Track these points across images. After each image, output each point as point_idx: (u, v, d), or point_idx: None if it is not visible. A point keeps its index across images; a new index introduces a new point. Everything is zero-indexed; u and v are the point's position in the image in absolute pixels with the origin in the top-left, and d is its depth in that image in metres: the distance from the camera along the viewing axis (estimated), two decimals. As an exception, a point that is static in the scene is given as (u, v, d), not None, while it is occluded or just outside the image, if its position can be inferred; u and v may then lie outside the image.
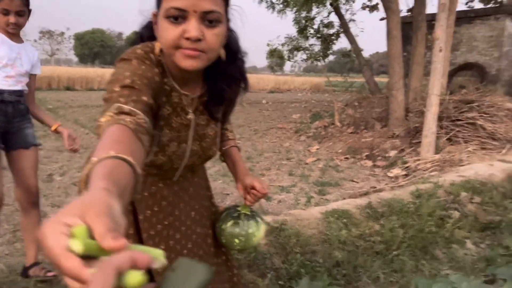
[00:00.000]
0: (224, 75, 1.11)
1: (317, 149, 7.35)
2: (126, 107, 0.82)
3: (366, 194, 4.09)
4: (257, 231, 1.28)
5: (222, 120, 1.30)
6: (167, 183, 1.19)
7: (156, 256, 0.50)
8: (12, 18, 2.19)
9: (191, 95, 1.12)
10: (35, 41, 61.49)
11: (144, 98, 0.88)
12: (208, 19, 0.94)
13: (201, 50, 0.95)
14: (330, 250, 2.89)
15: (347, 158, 6.58)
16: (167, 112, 1.07)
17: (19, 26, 2.26)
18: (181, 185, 1.22)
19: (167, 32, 0.94)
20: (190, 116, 1.12)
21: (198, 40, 0.93)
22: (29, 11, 2.31)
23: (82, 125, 9.33)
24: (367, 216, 3.33)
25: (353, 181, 5.22)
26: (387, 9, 6.96)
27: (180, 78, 1.07)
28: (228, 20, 1.04)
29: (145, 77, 0.93)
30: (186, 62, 0.95)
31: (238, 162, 1.37)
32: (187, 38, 0.93)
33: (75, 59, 69.34)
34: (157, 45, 1.02)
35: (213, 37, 0.95)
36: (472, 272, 2.92)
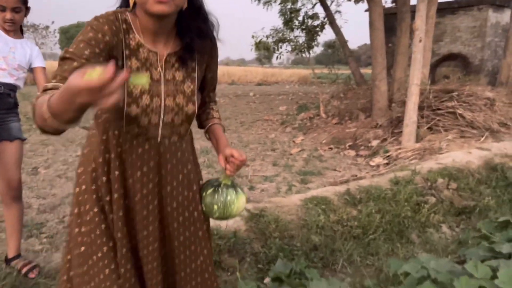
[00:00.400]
0: (190, 27, 1.24)
1: (302, 140, 7.44)
2: (50, 84, 1.03)
3: (346, 182, 4.19)
4: (236, 199, 1.35)
5: (205, 89, 1.42)
6: (152, 143, 1.25)
7: (143, 80, 0.86)
8: (8, 15, 2.22)
9: (163, 51, 1.23)
10: (20, 35, 60.25)
11: (75, 64, 1.05)
12: None
13: None
14: (308, 235, 2.99)
15: (331, 148, 6.68)
16: (135, 66, 1.19)
17: (15, 23, 2.29)
18: (167, 148, 1.28)
19: None
20: (160, 71, 1.23)
21: None
22: (27, 8, 2.33)
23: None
24: (345, 202, 3.42)
25: (335, 170, 5.32)
26: (369, 0, 7.03)
27: (151, 34, 1.20)
28: None
29: (84, 40, 1.09)
30: (157, 7, 1.09)
31: (220, 137, 1.44)
32: None
33: (59, 53, 68.33)
34: (131, 0, 1.16)
35: None
36: (444, 253, 3.04)
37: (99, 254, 1.24)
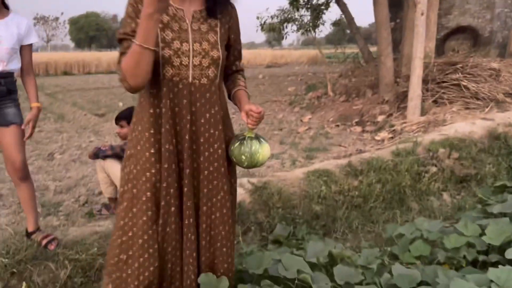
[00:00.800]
0: None
1: (309, 118, 7.52)
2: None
3: (349, 155, 4.29)
4: (260, 149, 1.55)
5: (231, 52, 1.63)
6: (185, 83, 1.49)
7: None
8: None
9: (188, 8, 1.50)
10: (31, 28, 60.89)
11: (126, 44, 1.41)
12: None
13: None
14: (310, 204, 3.12)
15: (337, 125, 6.76)
16: (166, 20, 1.46)
17: None
18: (197, 88, 1.51)
19: None
20: (187, 23, 1.49)
21: None
22: None
23: (80, 107, 9.52)
24: (347, 174, 3.53)
25: (341, 146, 5.42)
26: (372, -25, 7.00)
27: None
28: None
29: (127, 16, 1.44)
30: None
31: (242, 98, 1.63)
32: None
33: (71, 44, 68.77)
34: None
35: None
36: (442, 218, 3.14)
37: (142, 200, 1.51)
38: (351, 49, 16.09)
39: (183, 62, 1.46)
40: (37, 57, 24.55)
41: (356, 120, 6.76)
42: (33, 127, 2.43)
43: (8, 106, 2.39)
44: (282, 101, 10.01)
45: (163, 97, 1.47)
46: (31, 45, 2.45)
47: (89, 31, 62.90)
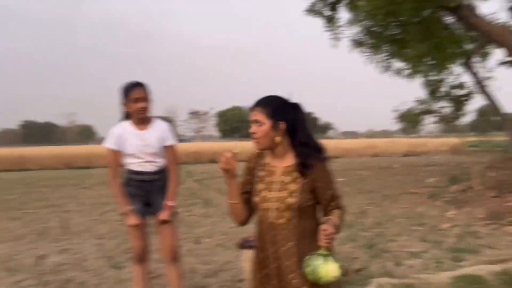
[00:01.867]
0: (302, 152, 1.84)
1: (454, 214, 6.98)
2: None
3: (504, 260, 3.85)
4: (323, 267, 1.68)
5: (320, 197, 1.85)
6: (269, 222, 1.85)
7: (237, 150, 1.79)
8: (141, 104, 2.71)
9: (279, 165, 1.87)
10: (185, 121, 70.72)
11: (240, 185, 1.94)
12: (256, 122, 1.82)
13: (257, 138, 1.82)
14: (459, 315, 2.86)
15: (488, 223, 6.13)
16: (262, 175, 1.90)
17: (147, 111, 2.77)
18: (276, 225, 1.83)
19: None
20: (276, 176, 1.86)
21: (253, 133, 1.83)
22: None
23: (223, 193, 10.35)
24: (503, 283, 3.18)
25: (493, 248, 4.88)
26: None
27: (271, 156, 1.90)
28: (277, 120, 1.80)
29: (243, 172, 1.94)
30: (255, 146, 1.87)
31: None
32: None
33: (217, 134, 76.50)
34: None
35: (259, 131, 1.80)
36: None
37: None
38: (500, 137, 14.83)
39: (266, 207, 1.84)
40: (188, 146, 27.89)
41: (510, 219, 6.06)
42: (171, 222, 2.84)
43: (164, 198, 2.84)
44: (420, 193, 9.52)
45: (258, 231, 1.90)
46: (171, 145, 2.89)
47: (233, 123, 69.66)
